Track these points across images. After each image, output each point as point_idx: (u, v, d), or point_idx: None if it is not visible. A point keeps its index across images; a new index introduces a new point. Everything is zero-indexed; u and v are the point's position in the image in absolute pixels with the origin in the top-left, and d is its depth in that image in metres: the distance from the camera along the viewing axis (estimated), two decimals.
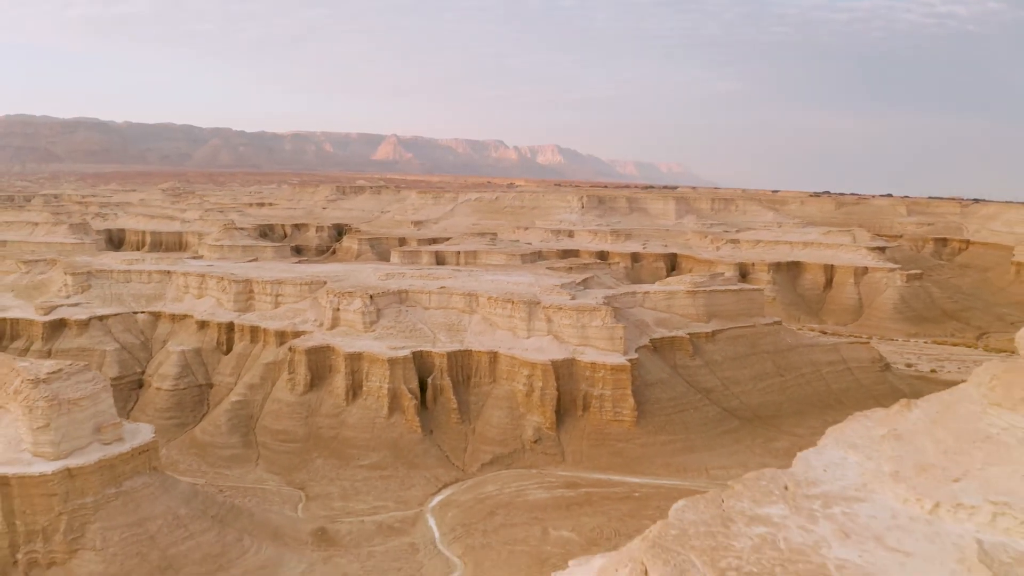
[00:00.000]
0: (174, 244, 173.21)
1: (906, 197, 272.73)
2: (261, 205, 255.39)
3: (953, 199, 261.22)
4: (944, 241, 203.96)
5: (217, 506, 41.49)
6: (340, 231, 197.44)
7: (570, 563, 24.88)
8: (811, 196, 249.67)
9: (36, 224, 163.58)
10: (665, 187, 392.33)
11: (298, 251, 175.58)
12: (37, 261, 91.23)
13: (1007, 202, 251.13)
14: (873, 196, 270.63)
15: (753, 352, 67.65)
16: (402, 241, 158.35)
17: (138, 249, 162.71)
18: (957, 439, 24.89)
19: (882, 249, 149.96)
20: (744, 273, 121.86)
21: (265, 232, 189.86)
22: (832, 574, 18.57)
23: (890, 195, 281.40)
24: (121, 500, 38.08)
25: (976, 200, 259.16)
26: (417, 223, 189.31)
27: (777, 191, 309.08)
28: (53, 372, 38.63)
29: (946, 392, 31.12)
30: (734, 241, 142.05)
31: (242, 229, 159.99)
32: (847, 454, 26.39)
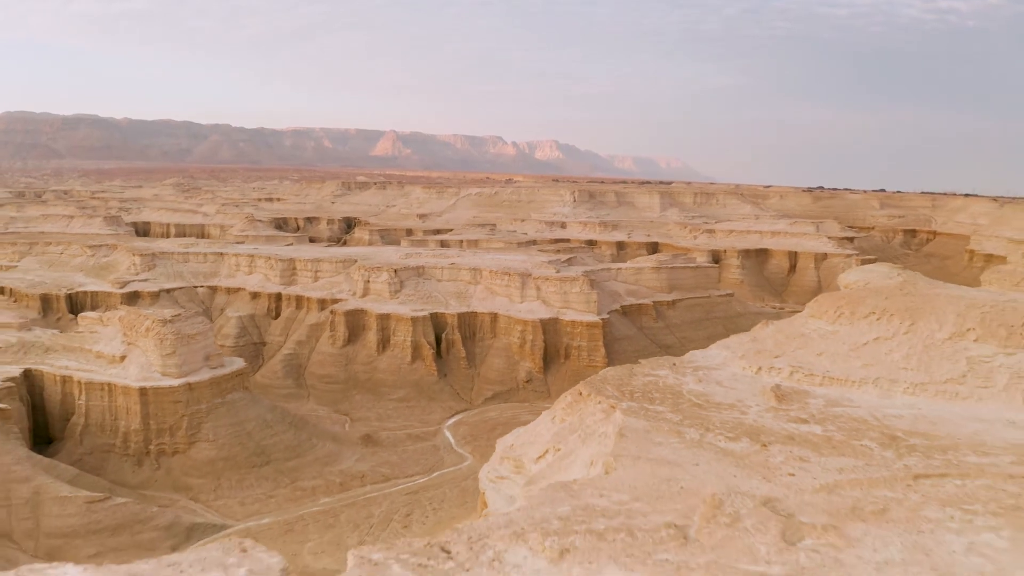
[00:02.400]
0: (197, 235, 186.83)
1: (881, 191, 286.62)
2: (270, 200, 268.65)
3: (947, 194, 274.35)
4: (913, 232, 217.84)
5: (291, 417, 56.11)
6: (350, 224, 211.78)
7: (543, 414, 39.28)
8: (791, 190, 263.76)
9: (72, 217, 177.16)
10: (661, 182, 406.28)
11: (311, 242, 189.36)
12: (100, 246, 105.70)
13: (972, 195, 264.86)
14: (865, 191, 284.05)
15: (707, 317, 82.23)
16: (409, 232, 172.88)
17: None
18: (786, 337, 39.79)
19: (851, 239, 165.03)
20: (716, 259, 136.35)
21: (279, 225, 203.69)
22: (684, 393, 33.13)
23: (883, 190, 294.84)
24: (225, 407, 52.63)
25: (967, 195, 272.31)
26: (422, 216, 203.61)
27: (770, 186, 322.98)
28: (176, 315, 53.16)
29: (793, 316, 46.19)
30: (710, 231, 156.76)
31: (261, 221, 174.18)
32: (720, 351, 41.23)
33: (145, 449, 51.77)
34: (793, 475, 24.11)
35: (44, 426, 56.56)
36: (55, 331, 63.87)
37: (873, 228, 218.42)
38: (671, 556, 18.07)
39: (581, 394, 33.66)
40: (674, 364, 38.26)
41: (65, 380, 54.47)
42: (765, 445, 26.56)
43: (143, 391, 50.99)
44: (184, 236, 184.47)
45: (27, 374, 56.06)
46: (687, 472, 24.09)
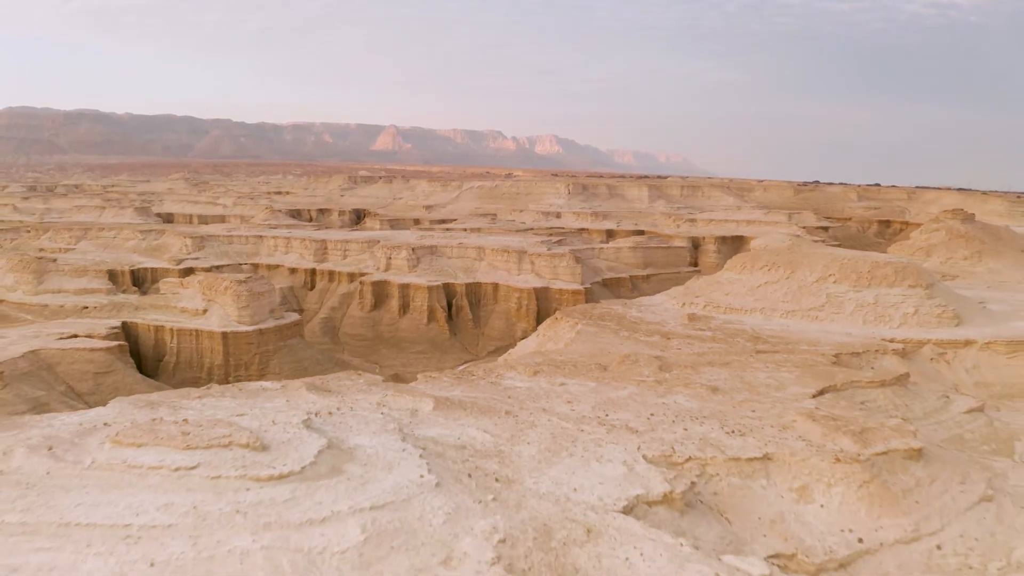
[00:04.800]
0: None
1: (876, 186, 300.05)
2: (279, 193, 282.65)
3: (942, 188, 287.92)
4: (887, 223, 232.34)
5: (335, 359, 70.93)
6: (359, 215, 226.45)
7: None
8: (775, 184, 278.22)
9: (103, 208, 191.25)
10: (659, 176, 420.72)
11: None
12: (150, 231, 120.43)
13: (957, 189, 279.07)
14: (858, 185, 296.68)
15: None
16: (416, 222, 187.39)
17: None
18: (707, 284, 54.75)
19: (825, 228, 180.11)
20: (696, 245, 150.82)
21: (293, 215, 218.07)
22: (626, 317, 47.89)
23: (878, 184, 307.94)
24: (287, 348, 67.42)
25: (960, 189, 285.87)
26: (428, 207, 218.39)
27: (763, 180, 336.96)
28: (248, 277, 67.93)
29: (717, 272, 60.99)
30: (692, 220, 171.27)
31: (280, 211, 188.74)
32: (662, 296, 56.20)
33: (225, 380, 66.37)
34: (680, 349, 39.11)
35: (137, 367, 71.24)
36: (137, 296, 78.71)
37: (850, 219, 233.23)
38: (594, 375, 33.57)
39: (556, 318, 48.61)
40: (625, 303, 53.17)
41: (158, 329, 69.25)
42: (668, 338, 41.52)
43: (224, 335, 65.79)
44: (207, 225, 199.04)
45: (124, 325, 70.77)
46: (614, 347, 39.07)
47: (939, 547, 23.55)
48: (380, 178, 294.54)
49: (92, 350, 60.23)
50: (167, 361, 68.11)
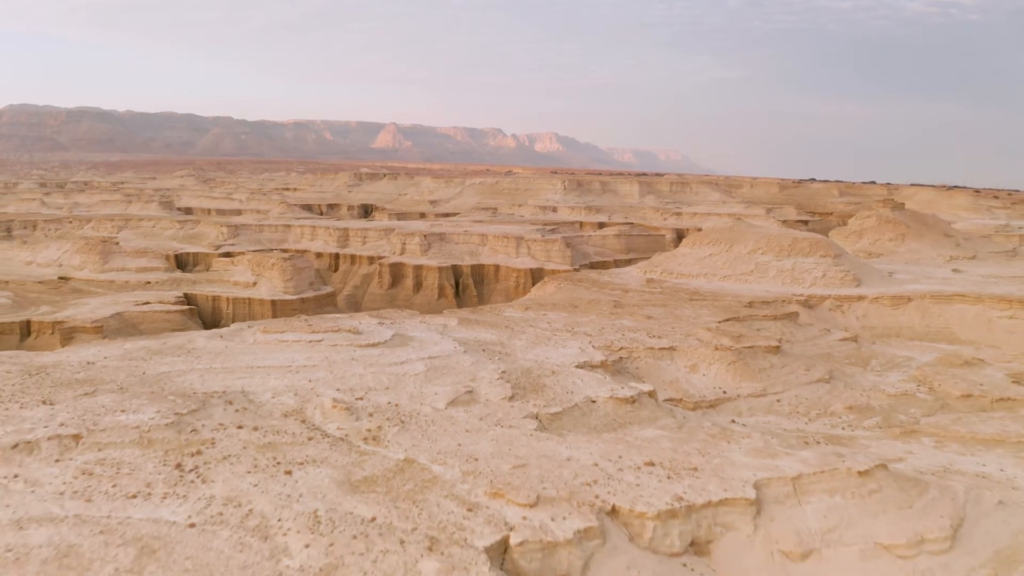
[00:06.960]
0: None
1: (840, 181, 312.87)
2: (287, 189, 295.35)
3: (920, 185, 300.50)
4: None
5: None
6: (367, 210, 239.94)
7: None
8: (761, 180, 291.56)
9: (129, 202, 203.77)
10: (656, 174, 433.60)
11: None
12: (186, 221, 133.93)
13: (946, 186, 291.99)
14: (863, 182, 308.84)
15: None
16: (422, 216, 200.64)
17: None
18: (665, 257, 68.13)
19: (805, 222, 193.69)
20: (681, 236, 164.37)
21: (305, 210, 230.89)
22: (598, 280, 61.58)
23: (873, 182, 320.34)
24: (324, 314, 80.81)
25: (952, 187, 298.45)
26: (432, 202, 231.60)
27: (757, 178, 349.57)
28: (292, 255, 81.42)
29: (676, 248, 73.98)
30: (678, 214, 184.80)
31: (295, 206, 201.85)
32: (630, 268, 69.66)
33: None
34: (632, 298, 52.81)
35: None
36: (192, 273, 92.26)
37: (831, 214, 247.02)
38: (567, 310, 47.73)
39: (545, 282, 62.26)
40: (600, 272, 66.77)
41: (215, 299, 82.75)
42: (627, 292, 55.21)
43: (273, 302, 79.36)
44: (239, 216, 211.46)
45: (184, 296, 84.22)
46: (585, 297, 52.81)
47: (779, 400, 37.48)
48: (385, 175, 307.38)
49: (168, 312, 73.80)
50: (223, 326, 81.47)
